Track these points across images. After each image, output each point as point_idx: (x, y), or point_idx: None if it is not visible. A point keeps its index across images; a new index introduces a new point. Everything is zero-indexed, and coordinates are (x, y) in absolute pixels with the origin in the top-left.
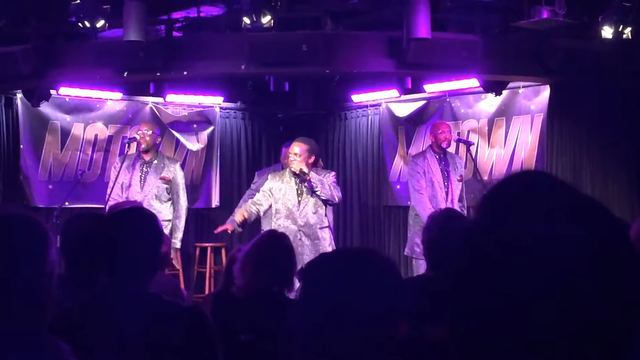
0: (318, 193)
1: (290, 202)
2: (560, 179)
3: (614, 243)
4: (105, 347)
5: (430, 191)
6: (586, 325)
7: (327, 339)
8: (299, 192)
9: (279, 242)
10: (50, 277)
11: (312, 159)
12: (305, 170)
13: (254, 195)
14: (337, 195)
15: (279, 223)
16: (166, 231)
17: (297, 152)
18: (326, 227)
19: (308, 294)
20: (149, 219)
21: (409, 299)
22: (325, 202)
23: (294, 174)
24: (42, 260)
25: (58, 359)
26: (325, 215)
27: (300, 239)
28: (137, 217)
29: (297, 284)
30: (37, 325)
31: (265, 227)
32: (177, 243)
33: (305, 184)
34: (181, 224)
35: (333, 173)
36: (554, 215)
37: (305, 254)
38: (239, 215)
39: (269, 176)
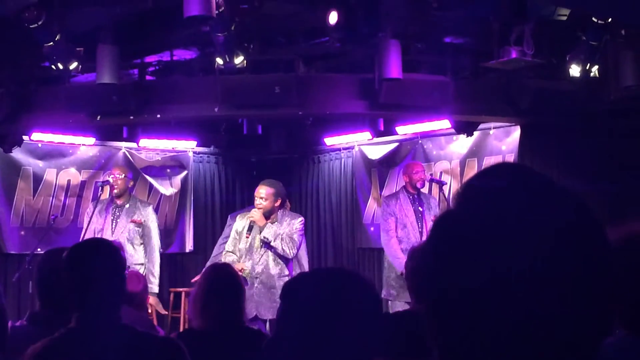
0: (274, 246)
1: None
2: (537, 171)
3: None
4: None
5: (402, 232)
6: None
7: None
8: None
9: (222, 273)
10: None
11: (279, 202)
12: (261, 224)
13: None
14: (290, 251)
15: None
16: None
17: (262, 196)
18: (286, 275)
19: (286, 313)
20: (108, 249)
21: (389, 331)
22: (281, 256)
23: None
24: None
25: None
26: (287, 265)
27: (256, 285)
28: (95, 248)
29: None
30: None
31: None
32: (153, 288)
33: (261, 236)
34: (155, 268)
35: (300, 219)
36: (535, 200)
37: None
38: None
39: (237, 217)
